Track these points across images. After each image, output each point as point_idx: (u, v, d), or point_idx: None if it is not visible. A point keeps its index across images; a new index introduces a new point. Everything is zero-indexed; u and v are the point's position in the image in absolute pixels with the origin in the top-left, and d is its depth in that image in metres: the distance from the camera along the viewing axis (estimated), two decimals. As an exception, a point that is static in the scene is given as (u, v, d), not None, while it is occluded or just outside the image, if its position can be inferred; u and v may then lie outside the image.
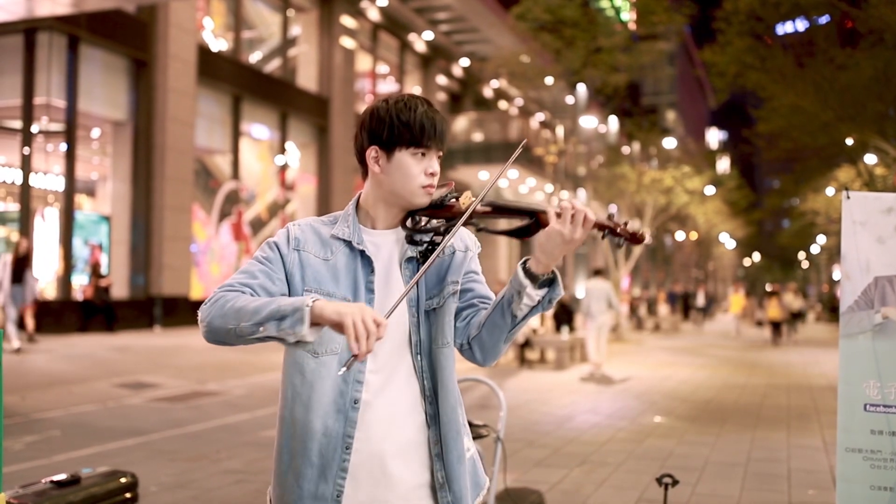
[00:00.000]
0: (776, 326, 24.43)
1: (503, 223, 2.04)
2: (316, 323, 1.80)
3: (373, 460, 2.00)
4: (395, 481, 2.00)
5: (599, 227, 1.88)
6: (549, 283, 1.94)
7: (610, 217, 1.90)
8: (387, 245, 2.07)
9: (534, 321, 19.51)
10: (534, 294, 1.91)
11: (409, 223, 2.05)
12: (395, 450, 2.01)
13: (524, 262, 1.92)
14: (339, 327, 1.76)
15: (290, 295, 2.02)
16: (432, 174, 2.03)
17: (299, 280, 2.02)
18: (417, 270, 2.05)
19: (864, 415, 3.39)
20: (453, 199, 2.03)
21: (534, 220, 1.94)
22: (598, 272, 16.29)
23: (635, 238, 1.86)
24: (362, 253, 2.04)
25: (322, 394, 2.00)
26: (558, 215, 1.87)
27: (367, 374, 2.01)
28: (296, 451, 2.03)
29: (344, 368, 1.79)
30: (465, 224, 1.98)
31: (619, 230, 1.87)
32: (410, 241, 2.04)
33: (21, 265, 13.36)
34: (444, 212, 2.02)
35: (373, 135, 2.04)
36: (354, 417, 1.99)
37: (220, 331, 1.90)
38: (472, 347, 2.05)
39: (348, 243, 2.05)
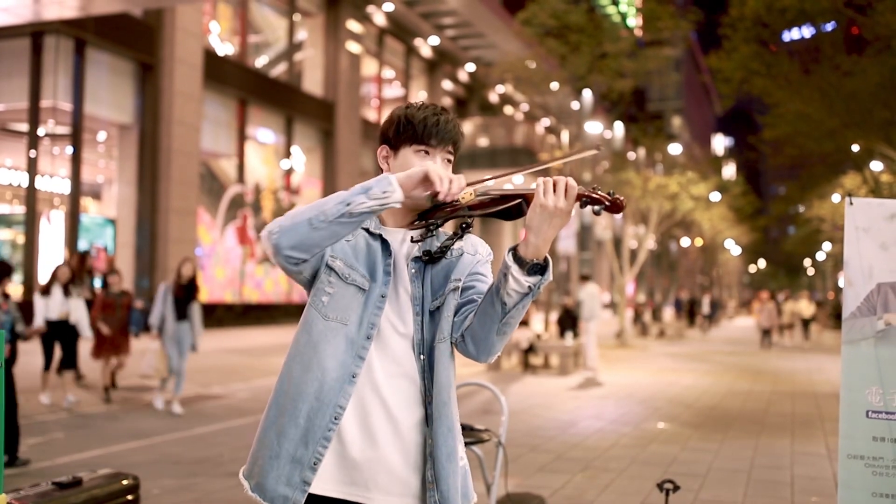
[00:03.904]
0: (766, 332, 25.67)
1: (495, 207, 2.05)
2: (406, 193, 1.93)
3: (363, 449, 2.01)
4: (380, 473, 2.02)
5: (580, 196, 1.88)
6: (542, 271, 1.93)
7: (593, 188, 1.90)
8: (394, 243, 2.11)
9: (538, 326, 19.48)
10: (521, 279, 1.90)
11: (415, 223, 2.09)
12: (390, 445, 2.02)
13: (514, 246, 1.93)
14: (424, 177, 1.91)
15: (319, 258, 2.05)
16: None
17: (328, 247, 2.05)
18: (423, 269, 2.09)
19: (866, 421, 3.38)
20: (456, 199, 2.04)
21: (522, 200, 1.97)
22: (587, 278, 16.33)
23: (616, 205, 1.86)
24: (381, 237, 2.09)
25: (323, 358, 2.02)
26: (544, 190, 1.88)
27: (374, 367, 2.03)
28: (284, 408, 2.04)
29: (426, 195, 1.92)
30: (459, 216, 2.02)
31: (599, 198, 1.87)
32: (413, 240, 2.10)
33: (188, 295, 9.94)
34: (449, 207, 2.05)
35: (384, 135, 2.14)
36: (350, 391, 2.00)
37: (298, 226, 1.93)
38: (466, 339, 2.06)
39: (366, 230, 2.10)
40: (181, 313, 9.89)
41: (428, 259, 2.09)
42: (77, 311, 10.09)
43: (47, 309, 9.93)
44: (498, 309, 1.94)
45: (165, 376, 10.01)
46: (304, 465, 1.99)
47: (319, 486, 2.02)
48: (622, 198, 1.87)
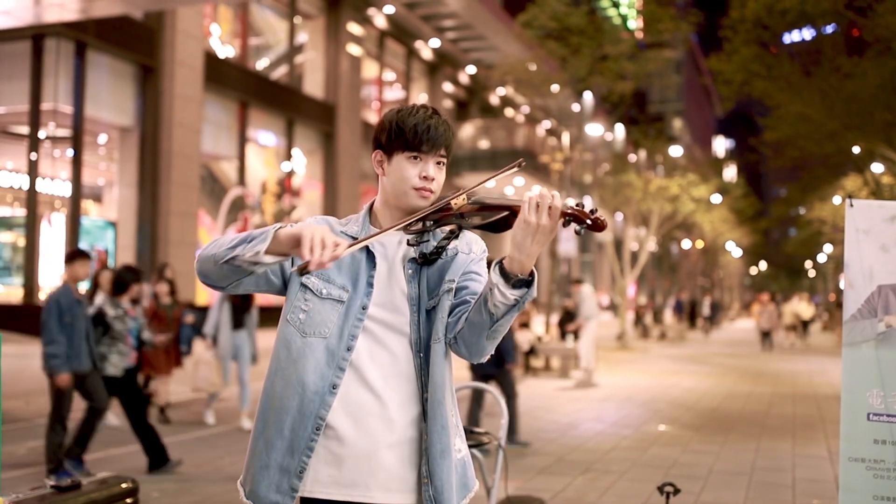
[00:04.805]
0: (766, 334, 25.78)
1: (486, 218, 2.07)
2: (280, 251, 1.94)
3: (360, 448, 2.07)
4: (378, 471, 2.07)
5: (563, 214, 1.90)
6: (528, 284, 1.94)
7: (578, 205, 1.92)
8: (391, 245, 2.17)
9: (539, 328, 19.44)
10: (507, 293, 1.92)
11: (412, 226, 2.11)
12: (387, 442, 2.08)
13: (500, 260, 1.95)
14: (296, 241, 1.89)
15: (261, 279, 2.13)
16: (426, 178, 2.11)
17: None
18: (419, 270, 2.14)
19: (866, 424, 3.37)
20: (449, 202, 2.08)
21: (510, 213, 1.99)
22: (579, 281, 16.46)
23: (596, 225, 1.89)
24: (367, 249, 2.13)
25: (303, 373, 2.08)
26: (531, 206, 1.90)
27: (366, 369, 2.09)
28: (270, 420, 2.13)
29: (294, 269, 1.90)
30: (449, 222, 2.06)
31: (581, 217, 1.90)
32: (409, 243, 2.14)
33: (245, 302, 9.33)
34: (441, 214, 2.08)
35: (377, 140, 2.18)
36: (330, 401, 2.07)
37: (206, 260, 2.05)
38: (458, 342, 2.09)
39: (354, 240, 2.12)
40: (238, 322, 9.20)
41: (423, 261, 2.13)
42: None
43: None
44: (486, 318, 1.97)
45: (220, 389, 9.44)
46: (292, 474, 2.08)
47: (322, 491, 2.09)
48: (603, 218, 1.90)
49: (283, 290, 2.17)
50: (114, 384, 7.07)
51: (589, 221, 1.89)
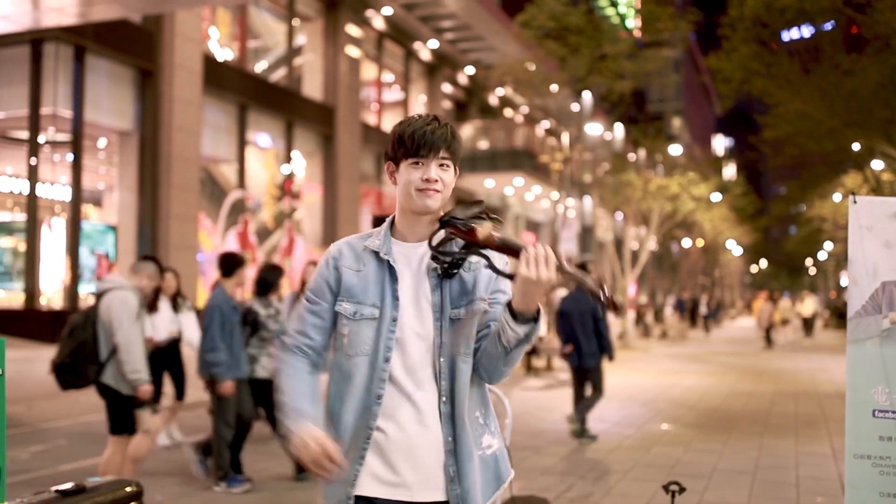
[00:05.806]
0: (768, 331, 26.02)
1: (501, 260, 2.22)
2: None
3: (401, 447, 2.23)
4: (416, 469, 2.22)
5: (559, 269, 2.05)
6: (534, 320, 2.11)
7: (577, 265, 2.06)
8: (416, 256, 2.29)
9: (541, 329, 19.40)
10: (517, 329, 2.10)
11: (433, 240, 2.22)
12: (421, 443, 2.22)
13: (509, 301, 2.13)
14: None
15: (332, 304, 2.33)
16: (427, 180, 2.22)
17: (335, 291, 2.31)
18: (439, 281, 2.26)
19: (872, 421, 3.36)
20: (475, 225, 2.17)
21: (517, 256, 2.11)
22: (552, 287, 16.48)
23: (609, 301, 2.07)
24: (389, 263, 2.26)
25: (353, 388, 2.27)
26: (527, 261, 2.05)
27: (400, 377, 2.24)
28: (335, 440, 2.27)
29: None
30: (473, 251, 2.19)
31: (571, 275, 2.05)
32: (433, 258, 2.25)
33: None
34: (466, 234, 2.18)
35: (387, 153, 2.33)
36: (377, 411, 2.23)
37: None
38: (479, 367, 2.26)
39: (376, 254, 2.28)
40: None
41: (443, 274, 2.25)
42: (190, 328, 8.25)
43: (153, 328, 7.81)
44: (500, 350, 2.16)
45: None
46: (348, 483, 2.26)
47: (368, 489, 2.24)
48: (596, 277, 2.06)
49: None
50: (262, 387, 6.87)
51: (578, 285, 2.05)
